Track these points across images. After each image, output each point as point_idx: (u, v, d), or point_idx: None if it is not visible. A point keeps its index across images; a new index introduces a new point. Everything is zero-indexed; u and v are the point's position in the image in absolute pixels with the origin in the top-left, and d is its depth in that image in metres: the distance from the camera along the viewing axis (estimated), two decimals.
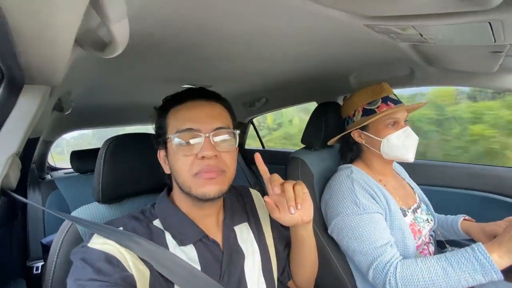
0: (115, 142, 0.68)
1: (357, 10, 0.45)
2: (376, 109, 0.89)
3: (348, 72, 1.20)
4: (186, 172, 0.55)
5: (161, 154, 0.61)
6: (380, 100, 0.89)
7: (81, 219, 0.56)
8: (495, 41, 0.50)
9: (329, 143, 1.03)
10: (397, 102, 0.89)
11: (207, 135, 0.55)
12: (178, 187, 0.59)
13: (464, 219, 0.98)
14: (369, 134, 0.91)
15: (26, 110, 0.50)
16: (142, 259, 0.50)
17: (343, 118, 1.02)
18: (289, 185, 0.55)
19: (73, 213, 0.65)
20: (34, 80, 0.48)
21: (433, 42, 0.59)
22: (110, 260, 0.47)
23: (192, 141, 0.55)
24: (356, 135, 0.95)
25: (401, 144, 0.86)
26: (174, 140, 0.55)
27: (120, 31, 0.34)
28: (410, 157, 0.87)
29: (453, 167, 1.30)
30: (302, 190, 0.56)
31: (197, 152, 0.54)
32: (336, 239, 0.89)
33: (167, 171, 0.61)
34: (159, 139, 0.60)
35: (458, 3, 0.37)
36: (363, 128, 0.92)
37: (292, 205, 0.54)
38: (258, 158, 0.61)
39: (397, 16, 0.44)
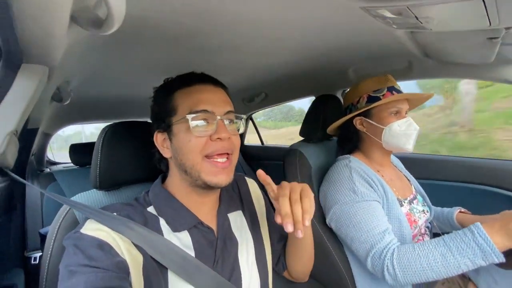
0: (113, 129, 0.68)
1: None
2: (381, 97, 0.90)
3: (347, 65, 1.20)
4: (197, 153, 0.54)
5: (159, 137, 0.60)
6: (386, 89, 0.90)
7: (76, 202, 0.56)
8: (490, 24, 0.50)
9: (328, 130, 1.03)
10: (401, 92, 0.91)
11: (219, 117, 0.55)
12: (180, 172, 0.58)
13: (460, 211, 0.98)
14: (372, 122, 0.92)
15: (24, 89, 0.50)
16: (135, 245, 0.50)
17: (344, 108, 1.03)
18: (297, 208, 0.49)
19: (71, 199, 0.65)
20: (32, 59, 0.48)
21: (429, 27, 0.59)
22: (102, 246, 0.47)
23: (207, 122, 0.55)
24: (358, 123, 0.95)
25: (403, 133, 0.87)
26: (189, 120, 0.54)
27: (116, 2, 0.34)
28: (410, 147, 0.88)
29: (452, 160, 1.30)
30: (308, 204, 0.49)
31: (211, 134, 0.55)
32: (334, 228, 0.89)
33: (166, 154, 0.59)
34: (161, 121, 0.59)
35: None
36: (366, 116, 0.93)
37: (300, 227, 0.47)
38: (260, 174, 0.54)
39: None
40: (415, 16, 0.51)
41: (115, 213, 0.53)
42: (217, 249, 0.59)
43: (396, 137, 0.88)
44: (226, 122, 0.57)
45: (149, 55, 0.89)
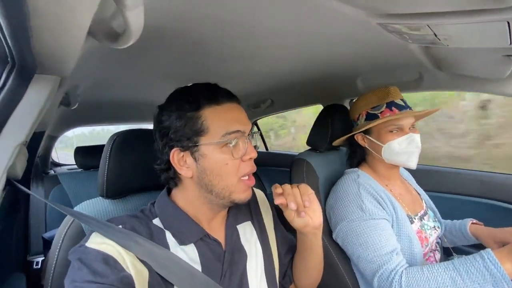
0: (121, 137, 0.68)
1: (372, 6, 0.44)
2: (379, 114, 0.87)
3: (356, 75, 1.19)
4: (233, 175, 0.54)
5: (176, 155, 0.54)
6: (385, 105, 0.87)
7: (82, 214, 0.55)
8: (510, 42, 0.49)
9: (334, 143, 1.02)
10: (402, 107, 0.87)
11: (249, 136, 0.56)
12: (200, 191, 0.56)
13: (472, 223, 0.96)
14: (372, 139, 0.90)
15: (35, 100, 0.50)
16: (140, 259, 0.50)
17: (350, 120, 1.02)
18: (296, 190, 0.57)
19: (77, 208, 0.64)
20: (45, 70, 0.48)
21: (446, 44, 0.58)
22: (107, 260, 0.46)
23: (241, 143, 0.55)
24: (359, 138, 0.94)
25: (402, 151, 0.84)
26: (228, 143, 0.53)
27: (135, 19, 0.33)
28: (412, 164, 0.85)
29: (463, 174, 1.28)
30: (307, 190, 0.58)
31: (243, 154, 0.54)
32: (341, 245, 0.88)
33: (187, 174, 0.55)
34: (185, 138, 0.54)
35: (476, 0, 0.37)
36: (367, 132, 0.92)
37: (302, 209, 0.56)
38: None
39: (412, 14, 0.43)
40: (434, 34, 0.50)
41: (120, 226, 0.52)
42: (224, 263, 0.58)
43: (396, 155, 0.85)
44: (250, 139, 0.57)
45: (159, 63, 0.88)
